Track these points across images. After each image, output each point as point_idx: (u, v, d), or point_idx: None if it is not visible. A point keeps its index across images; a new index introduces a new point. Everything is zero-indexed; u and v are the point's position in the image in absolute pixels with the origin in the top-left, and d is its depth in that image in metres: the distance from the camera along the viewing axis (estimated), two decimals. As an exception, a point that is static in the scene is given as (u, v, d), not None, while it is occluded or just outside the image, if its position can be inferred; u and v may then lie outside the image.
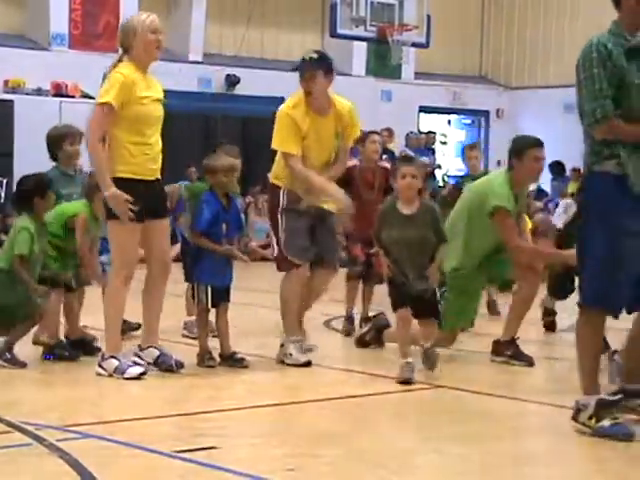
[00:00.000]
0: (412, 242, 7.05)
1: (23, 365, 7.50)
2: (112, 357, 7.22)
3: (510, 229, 7.94)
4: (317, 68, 7.80)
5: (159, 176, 7.46)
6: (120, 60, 7.32)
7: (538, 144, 8.11)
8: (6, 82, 17.86)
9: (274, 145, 7.88)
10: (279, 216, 7.90)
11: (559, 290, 9.53)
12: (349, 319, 9.40)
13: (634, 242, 5.67)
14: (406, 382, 6.96)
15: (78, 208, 7.80)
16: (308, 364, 7.77)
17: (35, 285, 7.63)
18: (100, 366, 7.26)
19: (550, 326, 9.80)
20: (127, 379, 7.08)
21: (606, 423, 5.70)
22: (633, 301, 5.90)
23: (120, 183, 7.13)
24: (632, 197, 5.68)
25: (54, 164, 8.48)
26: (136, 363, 7.30)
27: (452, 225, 8.09)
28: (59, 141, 8.38)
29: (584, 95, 5.79)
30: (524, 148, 8.01)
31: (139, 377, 7.11)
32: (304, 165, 7.77)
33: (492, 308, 10.73)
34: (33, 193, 7.73)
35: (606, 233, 5.72)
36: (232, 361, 7.70)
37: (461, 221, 8.10)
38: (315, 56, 7.96)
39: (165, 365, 7.38)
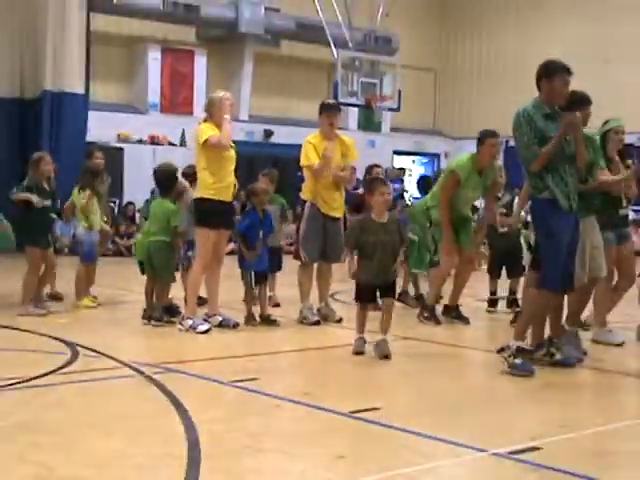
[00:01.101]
0: (385, 244, 6.30)
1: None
2: (189, 318, 7.21)
3: (447, 189, 7.76)
4: (337, 108, 8.11)
5: (231, 199, 7.41)
6: (205, 120, 7.30)
7: (494, 135, 7.85)
8: (118, 135, 17.89)
9: (301, 163, 7.83)
10: (302, 221, 7.85)
11: (493, 271, 8.85)
12: None
13: (564, 238, 5.73)
14: (359, 354, 6.25)
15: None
16: (318, 323, 7.72)
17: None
18: (180, 324, 7.27)
19: (491, 304, 8.90)
20: (198, 333, 7.06)
21: (518, 361, 5.71)
22: None
23: (207, 202, 7.15)
24: (561, 212, 5.74)
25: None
26: (205, 321, 7.27)
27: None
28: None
29: (520, 145, 5.84)
30: (484, 137, 7.82)
31: (206, 332, 7.09)
32: (322, 172, 7.69)
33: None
34: (173, 183, 7.80)
35: (549, 236, 5.77)
36: (268, 321, 7.66)
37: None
38: (336, 102, 8.54)
39: (228, 326, 7.34)
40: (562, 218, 5.74)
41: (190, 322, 7.16)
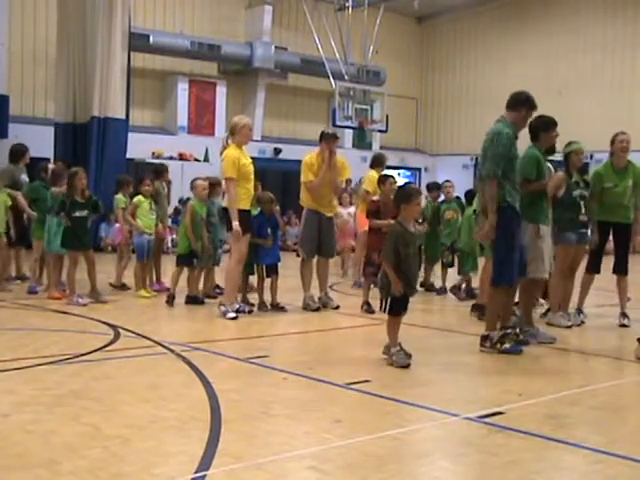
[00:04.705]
0: (416, 254, 5.31)
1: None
2: (222, 305, 7.10)
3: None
4: (335, 137, 7.89)
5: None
6: (227, 141, 7.13)
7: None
8: (153, 153, 17.91)
9: (302, 179, 7.79)
10: (302, 224, 7.84)
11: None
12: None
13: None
14: (406, 367, 5.14)
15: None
16: (318, 309, 7.70)
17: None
18: (218, 308, 7.12)
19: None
20: (227, 319, 6.97)
21: (507, 345, 5.62)
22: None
23: (243, 212, 7.03)
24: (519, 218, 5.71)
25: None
26: (237, 311, 7.12)
27: None
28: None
29: (489, 156, 5.59)
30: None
31: (234, 318, 6.97)
32: (323, 183, 7.66)
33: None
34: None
35: (509, 239, 5.64)
36: (277, 308, 7.66)
37: None
38: (334, 131, 8.10)
39: (243, 311, 7.29)
40: (519, 224, 5.68)
41: (223, 309, 7.07)
